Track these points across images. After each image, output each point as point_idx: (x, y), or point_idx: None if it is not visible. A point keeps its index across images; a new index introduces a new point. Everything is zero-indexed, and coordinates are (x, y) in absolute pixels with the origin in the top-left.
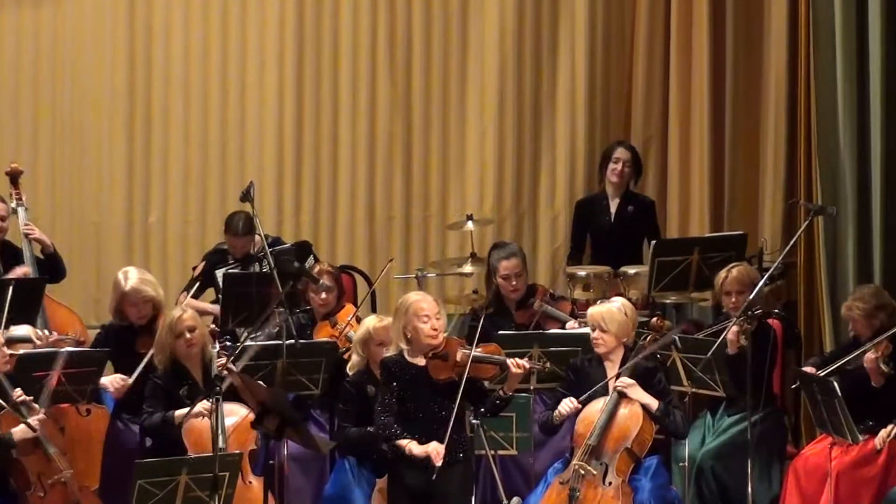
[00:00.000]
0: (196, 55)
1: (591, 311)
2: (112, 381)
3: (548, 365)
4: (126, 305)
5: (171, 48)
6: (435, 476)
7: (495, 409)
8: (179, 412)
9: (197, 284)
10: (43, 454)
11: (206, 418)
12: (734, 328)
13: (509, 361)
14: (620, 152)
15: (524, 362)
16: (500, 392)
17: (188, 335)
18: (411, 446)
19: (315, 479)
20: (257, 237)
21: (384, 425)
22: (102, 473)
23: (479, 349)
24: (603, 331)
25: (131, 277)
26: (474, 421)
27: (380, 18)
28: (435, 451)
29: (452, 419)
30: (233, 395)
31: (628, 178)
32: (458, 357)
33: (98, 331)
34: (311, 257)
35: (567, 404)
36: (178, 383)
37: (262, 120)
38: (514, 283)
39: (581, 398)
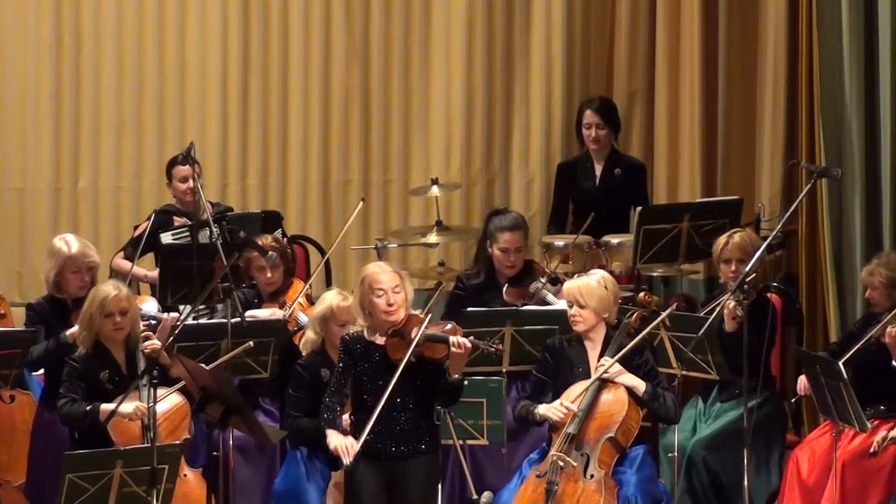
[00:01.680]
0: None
1: (567, 285)
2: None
3: (500, 346)
4: (68, 273)
5: None
6: (344, 468)
7: (445, 399)
8: (106, 407)
9: (138, 245)
10: None
11: (136, 419)
12: (730, 302)
13: (451, 339)
14: (589, 115)
15: (465, 341)
16: (447, 377)
17: (118, 318)
18: (330, 437)
19: (264, 473)
20: (209, 203)
21: (328, 408)
22: (29, 467)
23: (432, 327)
24: (581, 306)
25: (73, 242)
26: (440, 407)
27: None
28: (343, 445)
29: (383, 399)
30: (161, 379)
31: (606, 139)
32: (412, 335)
33: (23, 308)
34: (279, 231)
35: (559, 410)
36: (98, 366)
37: (203, 72)
38: (512, 258)
39: (573, 399)
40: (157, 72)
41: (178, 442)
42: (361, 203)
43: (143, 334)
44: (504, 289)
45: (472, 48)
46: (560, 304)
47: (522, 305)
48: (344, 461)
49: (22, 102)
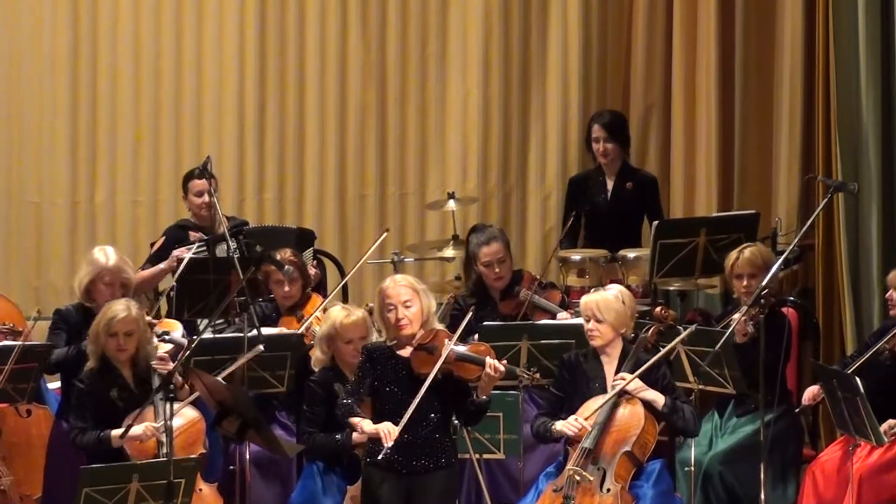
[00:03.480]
0: (147, 14)
1: (585, 299)
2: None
3: (538, 375)
4: (101, 284)
5: (119, 7)
6: (381, 457)
7: (470, 418)
8: (116, 433)
9: (156, 261)
10: None
11: (147, 440)
12: (743, 317)
13: (487, 362)
14: (596, 130)
15: (501, 366)
16: (474, 396)
17: (122, 340)
18: (363, 424)
19: (280, 487)
20: (225, 218)
21: (345, 406)
22: (46, 481)
23: (465, 347)
24: (598, 321)
25: (111, 255)
26: (463, 425)
27: None
28: (386, 430)
29: (413, 406)
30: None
31: (615, 153)
32: (443, 351)
33: (35, 321)
34: (311, 250)
35: (573, 426)
36: (107, 385)
37: (220, 87)
38: (497, 270)
39: (588, 416)
40: (174, 86)
41: (194, 456)
42: (386, 233)
43: (157, 355)
44: (498, 304)
45: (488, 63)
46: (556, 308)
47: (517, 316)
48: (385, 445)
49: (39, 117)
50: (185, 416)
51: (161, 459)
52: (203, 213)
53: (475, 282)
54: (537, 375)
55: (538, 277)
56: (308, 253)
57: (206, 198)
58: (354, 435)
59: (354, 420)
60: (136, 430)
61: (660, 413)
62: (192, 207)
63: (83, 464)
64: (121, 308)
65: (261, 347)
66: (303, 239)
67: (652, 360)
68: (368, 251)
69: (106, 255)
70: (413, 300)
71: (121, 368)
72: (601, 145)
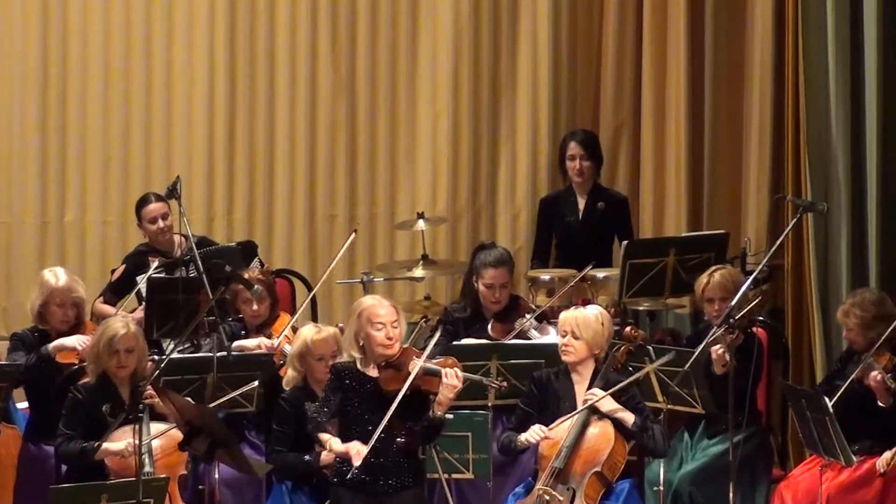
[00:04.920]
0: (116, 34)
1: (565, 315)
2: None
3: (505, 384)
4: (53, 306)
5: (89, 25)
6: (350, 477)
7: (425, 435)
8: (100, 446)
9: (118, 290)
10: None
11: (129, 456)
12: (718, 347)
13: (443, 371)
14: (573, 147)
15: (459, 374)
16: (430, 412)
17: (122, 357)
18: (332, 442)
19: None
20: (183, 238)
21: (315, 422)
22: (15, 501)
23: (432, 361)
24: (575, 337)
25: (61, 276)
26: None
27: None
28: (356, 450)
29: (381, 425)
30: (151, 414)
31: (590, 171)
32: (410, 367)
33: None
34: (257, 260)
35: (536, 433)
36: (101, 399)
37: (189, 107)
38: (497, 294)
39: (552, 426)
40: (144, 106)
41: (163, 476)
42: (354, 234)
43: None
44: (489, 324)
45: (458, 82)
46: (543, 340)
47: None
48: (354, 464)
49: (8, 136)
50: (168, 435)
51: (130, 479)
52: (160, 238)
53: (472, 297)
54: (504, 384)
55: (535, 307)
56: (255, 263)
57: (160, 223)
58: (323, 454)
59: (324, 437)
60: (118, 445)
61: (629, 432)
62: (147, 234)
63: (53, 484)
64: (120, 326)
65: (255, 383)
66: (246, 251)
67: (626, 381)
68: (337, 256)
69: (56, 276)
70: (398, 320)
71: (119, 386)
72: (577, 163)
